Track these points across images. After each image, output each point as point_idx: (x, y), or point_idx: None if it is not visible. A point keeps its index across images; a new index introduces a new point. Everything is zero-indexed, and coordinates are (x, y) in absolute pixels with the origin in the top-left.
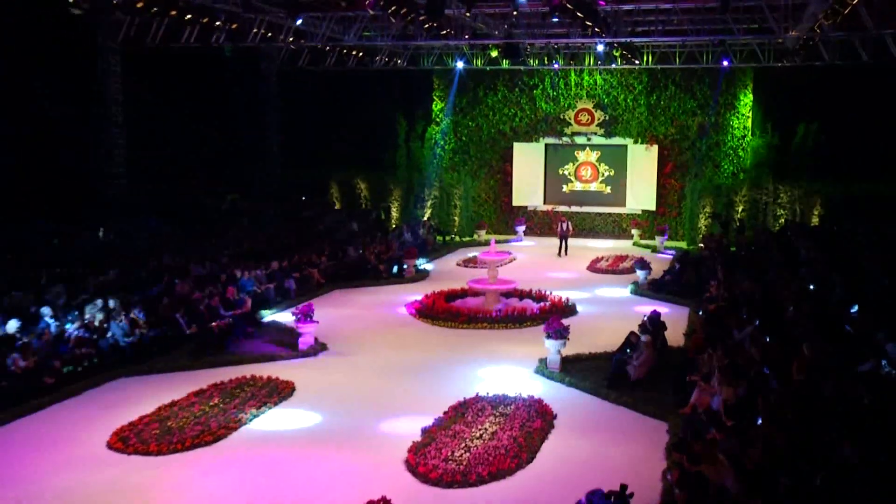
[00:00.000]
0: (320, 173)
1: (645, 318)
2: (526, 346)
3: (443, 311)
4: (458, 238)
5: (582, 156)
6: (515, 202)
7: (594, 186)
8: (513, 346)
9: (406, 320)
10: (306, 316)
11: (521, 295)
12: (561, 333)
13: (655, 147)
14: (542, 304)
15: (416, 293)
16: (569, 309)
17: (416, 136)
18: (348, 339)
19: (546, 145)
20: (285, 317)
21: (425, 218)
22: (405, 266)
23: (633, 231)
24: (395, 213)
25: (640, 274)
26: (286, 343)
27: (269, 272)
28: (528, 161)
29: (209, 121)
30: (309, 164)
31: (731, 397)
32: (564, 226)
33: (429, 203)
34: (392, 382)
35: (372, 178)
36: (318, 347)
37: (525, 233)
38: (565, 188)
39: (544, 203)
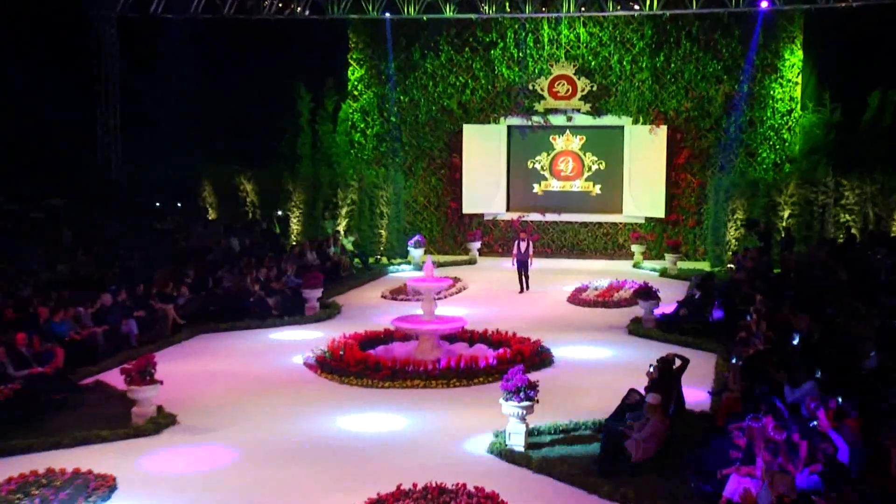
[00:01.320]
0: (186, 169)
1: (652, 368)
2: (477, 413)
3: (357, 364)
4: (384, 260)
5: (560, 143)
6: (467, 209)
7: (577, 185)
8: (457, 412)
9: (302, 377)
10: (142, 374)
11: (472, 338)
12: (525, 392)
13: (664, 129)
14: (501, 350)
15: (319, 337)
16: (541, 357)
17: (325, 117)
18: (211, 407)
19: (509, 128)
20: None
21: (339, 232)
22: (306, 299)
23: (634, 248)
24: (295, 226)
25: (642, 307)
26: (113, 415)
27: (97, 310)
28: (484, 150)
29: (11, 95)
30: (169, 156)
31: (787, 490)
32: (523, 246)
33: (343, 211)
34: (273, 473)
35: (262, 176)
36: (162, 421)
37: (481, 252)
38: (537, 188)
39: (507, 209)
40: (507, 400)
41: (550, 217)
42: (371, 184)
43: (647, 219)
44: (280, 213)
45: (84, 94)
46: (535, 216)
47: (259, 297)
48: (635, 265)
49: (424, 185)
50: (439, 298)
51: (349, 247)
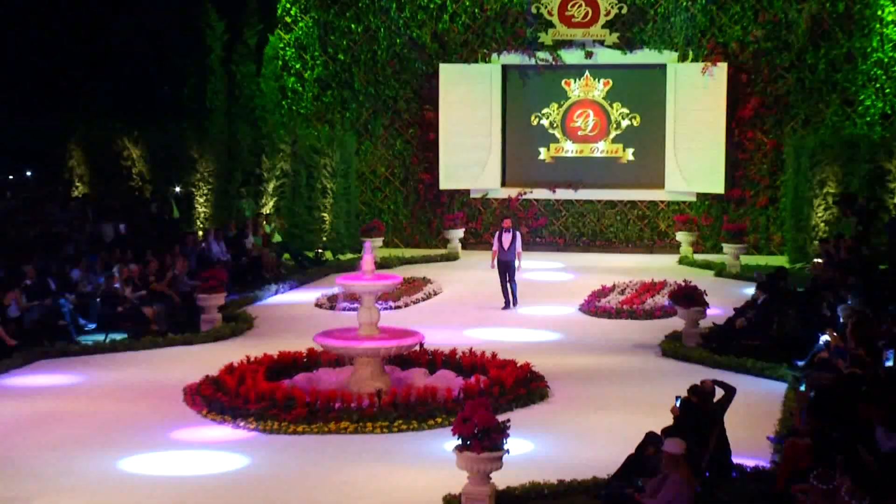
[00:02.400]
0: (44, 128)
1: (677, 404)
2: (426, 469)
3: (260, 399)
4: (328, 255)
5: (577, 89)
6: (446, 183)
7: (601, 149)
8: (399, 468)
9: (181, 418)
10: None
11: (434, 362)
12: (490, 438)
13: (723, 68)
14: (474, 377)
15: (213, 362)
16: (530, 388)
17: (245, 55)
18: (35, 468)
19: (505, 70)
20: None
21: (263, 216)
22: (201, 308)
23: (680, 236)
24: (201, 207)
25: (683, 316)
26: None
27: None
28: (469, 101)
29: None
30: (19, 110)
31: None
32: (506, 240)
33: (270, 186)
34: None
35: (154, 138)
36: None
37: (466, 243)
38: (544, 154)
39: (503, 184)
40: (461, 449)
41: (563, 194)
42: (309, 148)
43: (699, 196)
44: (178, 189)
45: None
46: (541, 193)
47: (131, 306)
48: (682, 261)
49: (386, 151)
50: (398, 307)
51: (277, 237)
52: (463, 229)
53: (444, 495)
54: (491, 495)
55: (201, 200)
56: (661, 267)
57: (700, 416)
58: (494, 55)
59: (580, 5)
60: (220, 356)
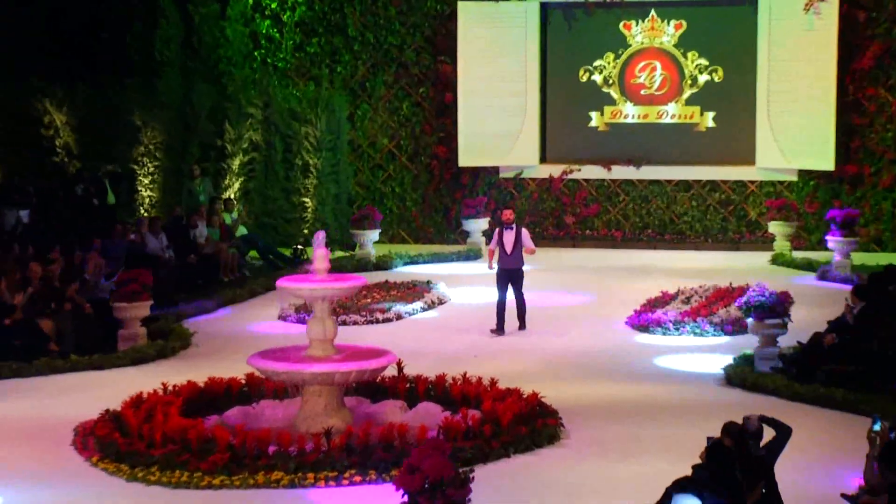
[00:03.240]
0: None
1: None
2: None
3: (168, 441)
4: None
5: (639, 34)
6: (467, 159)
7: (672, 113)
8: None
9: (61, 467)
10: None
11: (416, 391)
12: (444, 496)
13: (833, 4)
14: (462, 412)
15: (125, 392)
16: (535, 426)
17: None
18: None
19: (544, 7)
20: None
21: (220, 200)
22: (119, 321)
23: (774, 228)
24: (147, 190)
25: (756, 333)
26: None
27: None
28: (497, 50)
29: None
30: None
31: None
32: (508, 239)
33: (236, 163)
34: None
35: (84, 101)
36: None
37: (490, 236)
38: (596, 119)
39: (543, 160)
40: None
41: (621, 173)
42: (287, 113)
43: (801, 174)
44: (112, 166)
45: None
46: (592, 172)
47: (23, 318)
48: (777, 260)
49: (389, 117)
50: (385, 319)
51: (241, 229)
52: (487, 219)
53: None
54: None
55: (146, 181)
56: (747, 268)
57: (737, 463)
58: None
59: None
60: (137, 384)
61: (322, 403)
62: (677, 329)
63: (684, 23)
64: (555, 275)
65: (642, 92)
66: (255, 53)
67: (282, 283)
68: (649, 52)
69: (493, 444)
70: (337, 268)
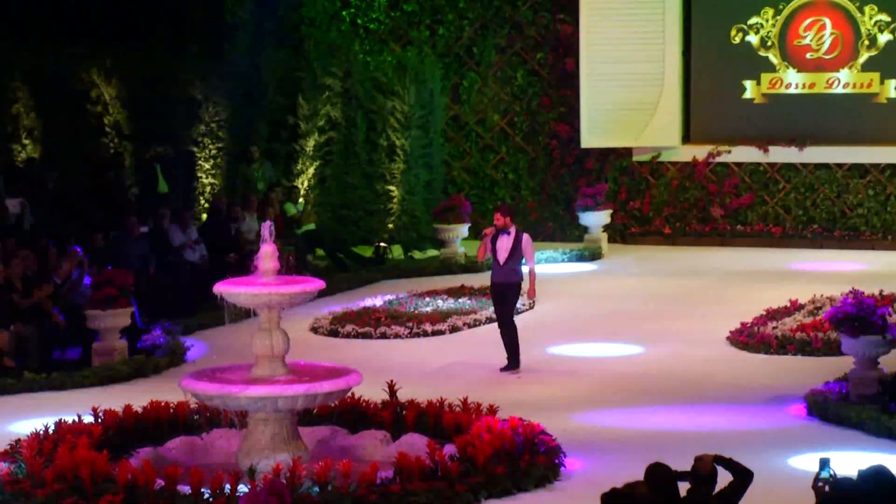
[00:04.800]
0: None
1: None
2: None
3: (62, 477)
4: (397, 250)
5: None
6: (592, 139)
7: (844, 81)
8: None
9: None
10: None
11: (404, 419)
12: None
13: None
14: (455, 445)
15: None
16: (517, 465)
17: None
18: None
19: None
20: None
21: (276, 191)
22: (94, 332)
23: None
24: (206, 176)
25: (849, 350)
26: None
27: None
28: (628, 6)
29: None
30: None
31: None
32: (502, 247)
33: (310, 143)
34: None
35: (136, 71)
36: None
37: (624, 233)
38: (751, 90)
39: (686, 139)
40: None
41: (781, 154)
42: (370, 83)
43: None
44: (162, 148)
45: None
46: (745, 153)
47: None
48: None
49: (501, 89)
50: (435, 332)
51: (308, 225)
52: (608, 211)
53: None
54: None
55: (206, 166)
56: None
57: None
58: None
59: None
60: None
61: (268, 434)
62: (782, 347)
63: None
64: (674, 280)
65: (808, 56)
66: (344, 13)
67: (219, 287)
68: (817, 7)
69: (459, 488)
70: (418, 270)
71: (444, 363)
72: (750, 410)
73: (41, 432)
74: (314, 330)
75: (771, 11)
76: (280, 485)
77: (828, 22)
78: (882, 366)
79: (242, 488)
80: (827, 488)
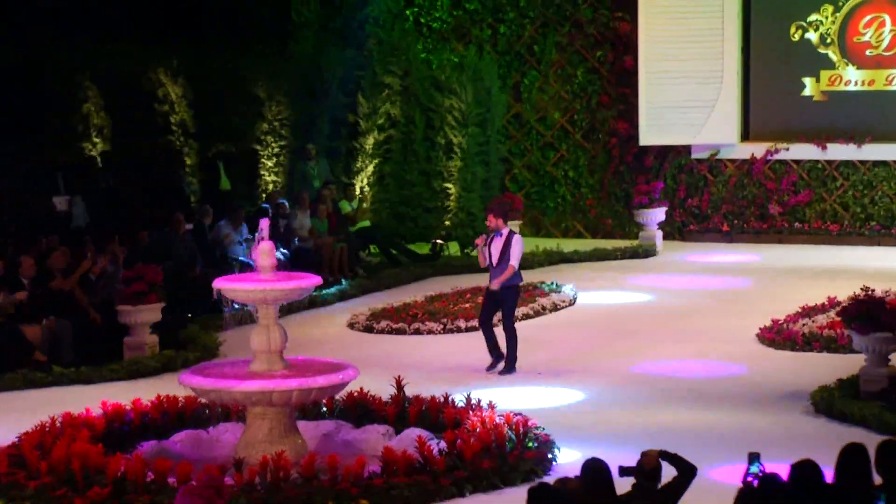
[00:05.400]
0: (48, 56)
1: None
2: None
3: (55, 470)
4: (454, 247)
5: None
6: (650, 137)
7: None
8: None
9: None
10: None
11: (406, 414)
12: None
13: None
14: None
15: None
16: (508, 459)
17: None
18: None
19: None
20: None
21: (330, 188)
22: (126, 327)
23: None
24: (268, 174)
25: (860, 346)
26: None
27: None
28: (687, 3)
29: None
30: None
31: None
32: (495, 246)
33: (369, 141)
34: None
35: (200, 70)
36: None
37: (682, 230)
38: (810, 87)
39: (745, 137)
40: None
41: (840, 152)
42: (428, 82)
43: None
44: (224, 146)
45: None
46: (803, 150)
47: (2, 325)
48: None
49: (562, 87)
50: (470, 328)
51: (364, 222)
52: (663, 209)
53: None
54: None
55: (269, 164)
56: None
57: None
58: None
59: None
60: (122, 401)
61: (265, 428)
62: (808, 344)
63: None
64: (722, 278)
65: (868, 52)
66: (407, 12)
67: (218, 283)
68: (877, 4)
69: (443, 482)
70: (469, 266)
71: (470, 359)
72: (759, 407)
73: (47, 425)
74: (351, 326)
75: (830, 8)
76: (218, 479)
77: (888, 19)
78: (893, 362)
79: (228, 480)
80: (756, 483)
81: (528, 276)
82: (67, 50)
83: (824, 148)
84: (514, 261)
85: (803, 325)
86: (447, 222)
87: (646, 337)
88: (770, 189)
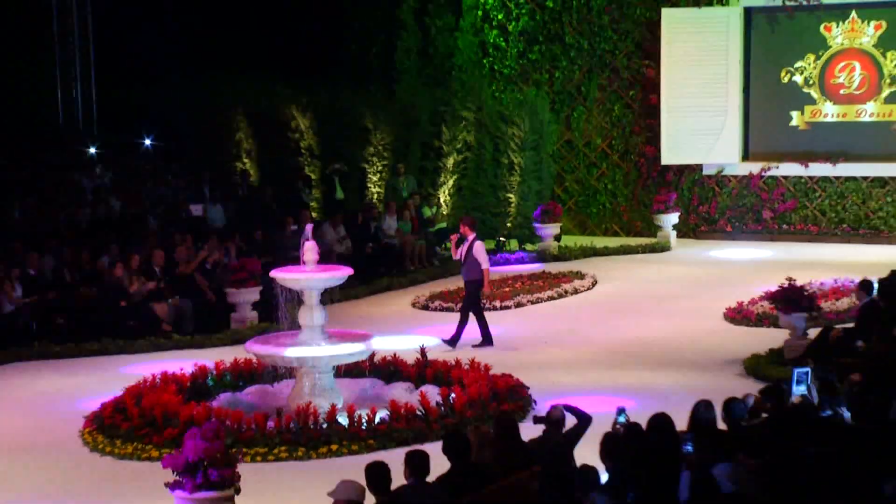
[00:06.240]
0: (211, 90)
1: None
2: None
3: (142, 415)
4: (513, 244)
5: (840, 35)
6: (670, 157)
7: (870, 112)
8: None
9: (60, 443)
10: None
11: (424, 374)
12: (205, 476)
13: None
14: (443, 391)
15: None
16: (490, 408)
17: (439, 4)
18: None
19: (749, 13)
20: None
21: (417, 197)
22: (232, 305)
23: None
24: (374, 187)
25: (786, 323)
26: None
27: None
28: (699, 53)
29: None
30: (178, 76)
31: None
32: (463, 248)
33: (450, 161)
34: None
35: (325, 105)
36: None
37: (695, 230)
38: (797, 119)
39: (745, 157)
40: (172, 486)
41: (819, 169)
42: (496, 115)
43: None
44: (339, 164)
45: None
46: (790, 168)
47: (138, 302)
48: None
49: (602, 118)
50: (504, 307)
51: (441, 224)
52: (677, 213)
53: None
54: None
55: (374, 178)
56: None
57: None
58: None
59: None
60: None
61: (309, 384)
62: (760, 321)
63: (884, 23)
64: (716, 268)
65: (842, 91)
66: (484, 61)
67: (274, 273)
68: (849, 53)
69: (434, 426)
70: (518, 259)
71: (496, 332)
72: (703, 371)
73: (147, 380)
74: (413, 304)
75: (812, 57)
76: (219, 425)
77: (857, 65)
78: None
79: (270, 424)
80: (621, 431)
81: (563, 267)
82: (225, 91)
83: (806, 166)
84: (486, 264)
85: (760, 306)
86: (508, 224)
87: (638, 314)
88: (764, 198)
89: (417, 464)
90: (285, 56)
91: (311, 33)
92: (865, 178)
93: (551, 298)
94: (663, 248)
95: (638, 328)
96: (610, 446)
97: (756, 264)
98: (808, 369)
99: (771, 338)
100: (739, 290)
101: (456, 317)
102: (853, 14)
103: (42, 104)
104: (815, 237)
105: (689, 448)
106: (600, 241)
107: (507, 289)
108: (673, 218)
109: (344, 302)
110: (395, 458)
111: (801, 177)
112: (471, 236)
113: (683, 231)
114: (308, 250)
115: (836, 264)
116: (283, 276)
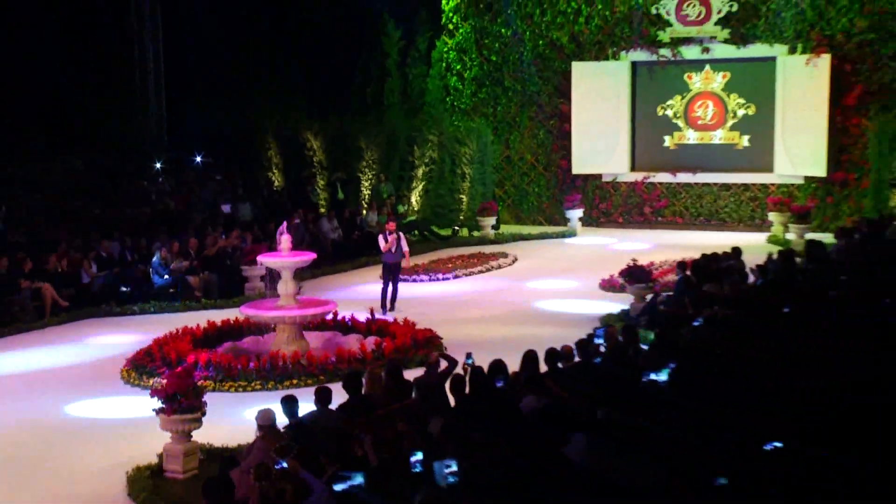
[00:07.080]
0: (244, 118)
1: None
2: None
3: (163, 357)
4: (464, 232)
5: (698, 82)
6: (578, 168)
7: (719, 137)
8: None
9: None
10: None
11: (370, 328)
12: (178, 403)
13: (826, 59)
14: (373, 341)
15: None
16: (409, 353)
17: (415, 58)
18: None
19: (634, 65)
20: None
21: (392, 197)
22: (246, 278)
23: (772, 216)
24: (366, 190)
25: (632, 292)
26: None
27: None
28: (599, 94)
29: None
30: (225, 105)
31: None
32: (391, 240)
33: (419, 171)
34: None
35: (330, 130)
36: None
37: (596, 220)
38: (668, 141)
39: (632, 168)
40: (158, 411)
41: (683, 178)
42: (452, 138)
43: (806, 179)
44: (340, 173)
45: (118, 41)
46: (664, 177)
47: (179, 276)
48: (770, 239)
49: (531, 140)
50: (444, 279)
51: (411, 217)
52: (581, 210)
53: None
54: (191, 451)
55: (366, 184)
56: (745, 244)
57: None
58: (623, 53)
59: (694, 4)
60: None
61: (285, 335)
62: (622, 289)
63: (729, 74)
64: (608, 250)
65: (699, 122)
66: (447, 99)
67: (260, 258)
68: (705, 95)
69: (367, 367)
70: (467, 242)
71: (447, 294)
72: (565, 326)
73: (171, 332)
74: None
75: (679, 97)
76: (190, 367)
77: (710, 103)
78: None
79: (252, 364)
80: (468, 373)
81: (496, 248)
82: (257, 117)
83: (675, 175)
84: (406, 251)
85: (615, 280)
86: (461, 217)
87: (542, 283)
88: (645, 198)
89: (322, 396)
90: (305, 92)
91: (323, 76)
92: (716, 184)
93: (481, 272)
94: (571, 234)
95: (536, 294)
96: (454, 384)
97: (635, 249)
98: (604, 328)
99: (627, 301)
100: (617, 265)
101: (409, 285)
102: (707, 67)
103: (125, 126)
104: (680, 226)
105: (500, 384)
106: (528, 230)
107: (449, 265)
108: (579, 212)
109: (331, 275)
110: (338, 388)
111: (671, 183)
112: (396, 233)
113: (588, 222)
114: (283, 241)
115: (693, 245)
116: (265, 259)
